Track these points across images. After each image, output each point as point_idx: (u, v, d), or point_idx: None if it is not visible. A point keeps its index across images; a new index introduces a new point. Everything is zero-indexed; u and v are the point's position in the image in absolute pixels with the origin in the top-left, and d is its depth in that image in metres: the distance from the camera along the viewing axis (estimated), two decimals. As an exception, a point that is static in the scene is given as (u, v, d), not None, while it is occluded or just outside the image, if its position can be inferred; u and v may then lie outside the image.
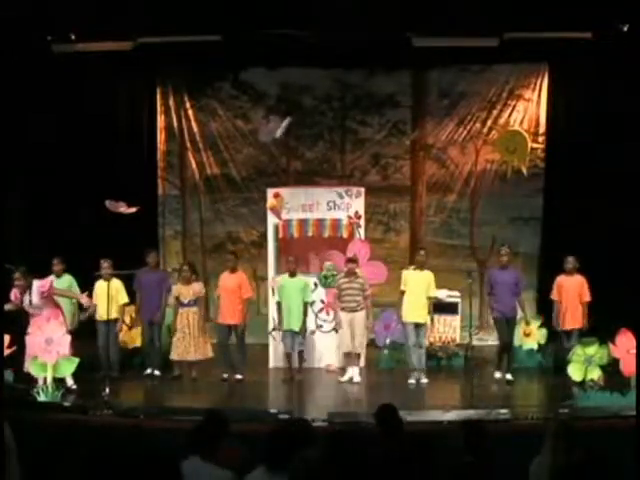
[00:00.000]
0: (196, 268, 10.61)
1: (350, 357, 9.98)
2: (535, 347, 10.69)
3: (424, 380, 9.81)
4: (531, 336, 10.59)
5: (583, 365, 9.00)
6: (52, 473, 5.66)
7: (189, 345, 9.80)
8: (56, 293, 9.44)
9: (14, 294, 9.35)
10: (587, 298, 9.76)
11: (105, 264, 9.76)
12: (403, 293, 9.84)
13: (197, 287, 10.01)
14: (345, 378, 9.93)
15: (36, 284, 9.15)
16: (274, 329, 10.52)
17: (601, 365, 8.99)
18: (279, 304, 10.15)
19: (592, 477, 4.28)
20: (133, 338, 10.51)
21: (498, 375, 9.84)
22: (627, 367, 8.66)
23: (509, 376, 9.83)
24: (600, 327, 9.26)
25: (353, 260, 9.94)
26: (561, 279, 9.90)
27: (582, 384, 8.87)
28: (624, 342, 8.80)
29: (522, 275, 10.29)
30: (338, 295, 9.93)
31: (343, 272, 10.02)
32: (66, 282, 9.91)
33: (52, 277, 9.67)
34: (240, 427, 6.14)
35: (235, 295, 9.92)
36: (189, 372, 9.96)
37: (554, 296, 9.89)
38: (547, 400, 9.35)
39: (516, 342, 10.73)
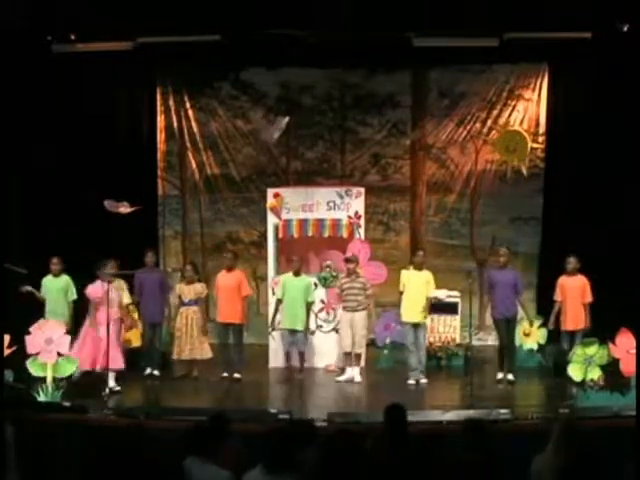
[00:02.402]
0: (198, 268, 10.62)
1: (350, 357, 9.98)
2: (535, 347, 10.68)
3: (423, 380, 9.80)
4: (531, 336, 10.59)
5: (583, 365, 9.01)
6: (52, 473, 5.66)
7: (186, 344, 9.83)
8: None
9: (95, 288, 9.32)
10: (589, 299, 9.74)
11: (110, 264, 9.59)
12: (402, 293, 9.85)
13: (199, 287, 10.05)
14: (343, 378, 9.92)
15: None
16: (273, 329, 10.51)
17: (601, 365, 8.99)
18: (279, 301, 10.13)
19: (594, 477, 4.29)
20: (136, 337, 10.49)
21: (500, 376, 9.79)
22: (627, 367, 8.66)
23: (511, 376, 9.81)
24: (600, 327, 9.25)
25: (351, 260, 9.94)
26: (563, 279, 9.86)
27: (582, 384, 8.87)
28: (624, 342, 8.80)
29: (521, 275, 10.27)
30: (340, 295, 9.95)
31: (344, 272, 10.03)
32: (63, 282, 9.88)
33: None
34: (240, 427, 6.15)
35: (234, 294, 9.92)
36: (190, 371, 9.99)
37: (557, 297, 9.85)
38: (547, 400, 9.33)
39: (516, 342, 10.74)
